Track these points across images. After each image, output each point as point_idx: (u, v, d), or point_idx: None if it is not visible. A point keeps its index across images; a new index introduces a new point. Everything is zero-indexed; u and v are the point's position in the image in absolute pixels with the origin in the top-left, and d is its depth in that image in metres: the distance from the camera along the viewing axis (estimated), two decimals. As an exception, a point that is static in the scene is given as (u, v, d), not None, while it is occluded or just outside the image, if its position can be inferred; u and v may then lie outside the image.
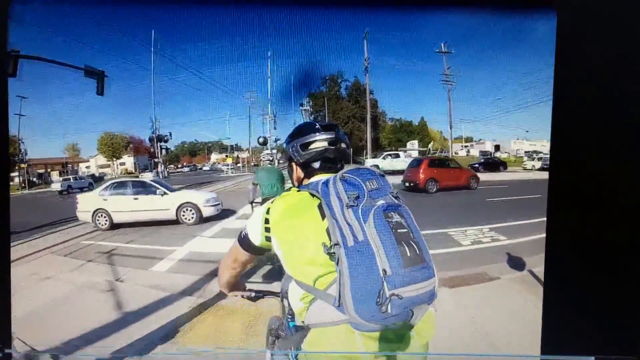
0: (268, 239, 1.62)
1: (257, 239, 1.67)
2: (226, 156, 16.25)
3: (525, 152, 15.87)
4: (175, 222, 9.72)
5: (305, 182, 1.72)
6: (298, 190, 1.64)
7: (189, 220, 9.68)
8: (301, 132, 1.73)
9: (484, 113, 14.05)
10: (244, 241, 1.72)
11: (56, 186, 13.38)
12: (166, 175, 14.03)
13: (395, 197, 1.51)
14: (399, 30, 10.29)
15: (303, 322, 1.58)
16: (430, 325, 1.54)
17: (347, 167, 1.62)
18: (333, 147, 1.69)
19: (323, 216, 1.48)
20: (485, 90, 12.54)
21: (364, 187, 1.45)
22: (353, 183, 1.47)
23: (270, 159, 6.67)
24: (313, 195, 1.54)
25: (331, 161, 1.70)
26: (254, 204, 6.42)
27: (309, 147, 1.69)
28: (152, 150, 13.66)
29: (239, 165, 16.12)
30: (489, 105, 13.00)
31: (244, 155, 16.17)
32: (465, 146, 16.78)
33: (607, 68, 2.53)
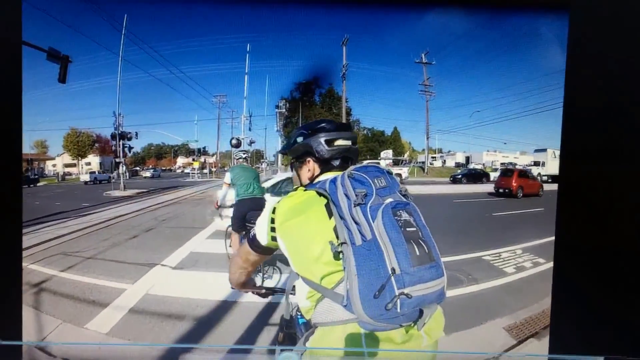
0: (274, 238, 1.59)
1: (263, 239, 1.64)
2: (193, 160, 15.42)
3: (501, 164, 15.82)
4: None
5: (316, 180, 1.68)
6: (305, 190, 1.60)
7: None
8: (325, 127, 1.70)
9: (460, 124, 13.68)
10: (252, 242, 1.70)
11: (85, 177, 13.86)
12: (127, 177, 13.34)
13: (404, 195, 1.50)
14: (378, 38, 9.71)
15: (310, 320, 1.56)
16: (439, 324, 1.50)
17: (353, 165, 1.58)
18: (355, 147, 1.71)
19: (330, 215, 1.46)
20: (463, 101, 12.22)
21: (373, 185, 1.43)
22: (361, 181, 1.44)
23: (245, 156, 5.90)
24: (320, 194, 1.51)
25: (349, 160, 1.70)
26: (222, 210, 5.95)
27: (334, 144, 1.67)
28: (113, 148, 12.74)
29: (205, 171, 15.48)
30: (466, 117, 12.64)
31: (211, 159, 15.60)
32: (434, 157, 16.47)
33: (620, 72, 2.51)
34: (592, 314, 2.56)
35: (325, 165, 1.68)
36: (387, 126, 15.37)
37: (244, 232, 5.38)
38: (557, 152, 13.00)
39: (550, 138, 13.20)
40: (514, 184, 12.02)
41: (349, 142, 1.69)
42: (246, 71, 11.28)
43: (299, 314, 1.87)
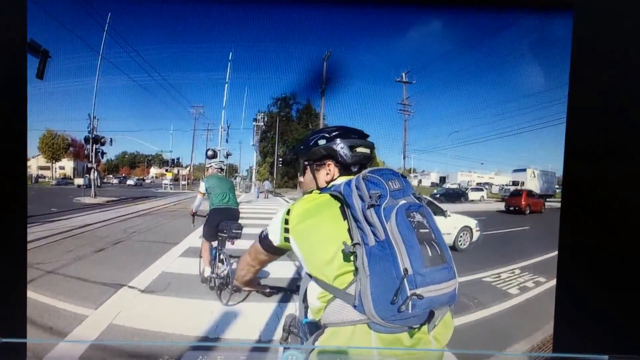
0: (287, 239, 1.59)
1: (276, 239, 1.65)
2: (166, 170, 15.02)
3: (477, 184, 15.88)
4: (452, 247, 8.12)
5: (331, 184, 1.69)
6: (319, 193, 1.64)
7: (464, 245, 8.75)
8: (347, 133, 1.72)
9: (437, 144, 13.74)
10: (264, 241, 1.71)
11: (79, 181, 13.88)
12: (99, 184, 12.74)
13: (417, 198, 1.50)
14: (359, 54, 10.12)
15: (319, 320, 1.55)
16: (449, 329, 1.51)
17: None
18: (372, 155, 1.73)
19: (345, 217, 1.48)
20: (441, 121, 12.19)
21: (387, 187, 1.43)
22: (376, 182, 1.44)
23: (223, 167, 6.04)
24: (335, 197, 1.54)
25: (364, 167, 1.69)
26: (196, 217, 5.64)
27: (356, 150, 1.70)
28: (86, 152, 12.00)
29: (183, 182, 15.00)
30: (442, 137, 13.16)
31: (184, 172, 15.00)
32: (415, 176, 16.27)
33: (625, 71, 2.51)
34: (596, 313, 2.56)
35: (344, 169, 1.70)
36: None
37: (215, 242, 5.35)
38: (537, 172, 13.41)
39: (527, 158, 13.48)
40: (523, 203, 13.13)
41: (368, 150, 1.72)
42: (227, 80, 11.13)
43: (304, 314, 1.87)
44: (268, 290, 2.13)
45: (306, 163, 1.79)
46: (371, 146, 1.74)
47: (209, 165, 5.80)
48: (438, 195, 14.69)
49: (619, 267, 2.55)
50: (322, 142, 1.71)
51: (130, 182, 15.69)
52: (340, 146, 1.68)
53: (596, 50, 2.53)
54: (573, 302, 2.60)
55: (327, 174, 1.71)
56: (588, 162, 2.58)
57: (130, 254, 7.26)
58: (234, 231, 5.13)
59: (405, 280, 1.28)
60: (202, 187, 5.51)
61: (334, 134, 1.71)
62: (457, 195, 15.11)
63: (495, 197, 15.19)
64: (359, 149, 1.69)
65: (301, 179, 1.85)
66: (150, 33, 10.03)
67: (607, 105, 2.54)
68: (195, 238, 6.99)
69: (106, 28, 9.45)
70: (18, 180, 2.62)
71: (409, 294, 1.27)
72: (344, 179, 1.60)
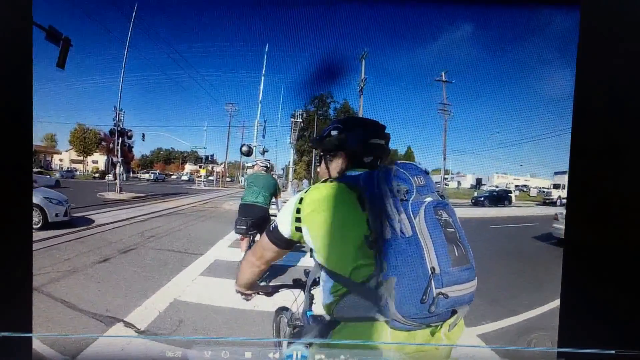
0: (298, 229, 1.48)
1: (286, 230, 1.52)
2: (200, 167, 14.39)
3: (515, 186, 14.27)
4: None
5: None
6: (335, 182, 1.51)
7: None
8: (361, 124, 1.65)
9: (476, 145, 12.44)
10: (272, 234, 1.58)
11: (147, 176, 13.94)
12: (124, 179, 11.50)
13: (441, 196, 1.40)
14: (398, 54, 8.93)
15: (332, 315, 1.43)
16: (460, 329, 1.42)
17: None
18: (387, 146, 1.64)
19: (363, 208, 1.36)
20: (483, 122, 11.18)
21: (413, 182, 1.34)
22: (402, 177, 1.35)
23: (268, 166, 5.58)
24: (352, 187, 1.42)
25: (379, 159, 1.60)
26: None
27: (369, 142, 1.59)
28: (110, 146, 11.00)
29: (211, 178, 14.41)
30: (482, 137, 11.57)
31: (219, 169, 14.41)
32: (446, 178, 15.00)
33: (632, 67, 2.39)
34: (602, 308, 2.46)
35: (356, 161, 1.59)
36: (400, 145, 13.56)
37: (250, 236, 5.14)
38: (578, 175, 11.50)
39: (566, 161, 11.37)
40: None
41: (382, 141, 1.62)
42: (263, 72, 10.13)
43: (309, 308, 1.82)
44: (270, 289, 1.98)
45: (321, 154, 1.69)
46: (386, 137, 1.61)
47: (255, 163, 5.66)
48: (482, 199, 13.34)
49: (625, 263, 2.39)
50: (334, 133, 1.61)
51: (184, 177, 15.61)
52: (351, 137, 1.57)
53: (603, 44, 2.37)
54: (579, 297, 2.45)
55: (339, 164, 1.61)
56: (594, 159, 2.44)
57: (140, 267, 5.35)
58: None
59: (432, 279, 1.20)
60: (243, 182, 5.50)
61: (347, 125, 1.62)
62: (501, 199, 13.55)
63: (534, 200, 13.46)
64: (372, 140, 1.58)
65: (318, 169, 1.75)
66: (181, 26, 9.45)
67: (614, 103, 2.38)
68: (224, 247, 5.79)
69: (132, 19, 8.85)
70: (23, 176, 2.41)
71: (435, 294, 1.19)
72: (356, 171, 1.51)
